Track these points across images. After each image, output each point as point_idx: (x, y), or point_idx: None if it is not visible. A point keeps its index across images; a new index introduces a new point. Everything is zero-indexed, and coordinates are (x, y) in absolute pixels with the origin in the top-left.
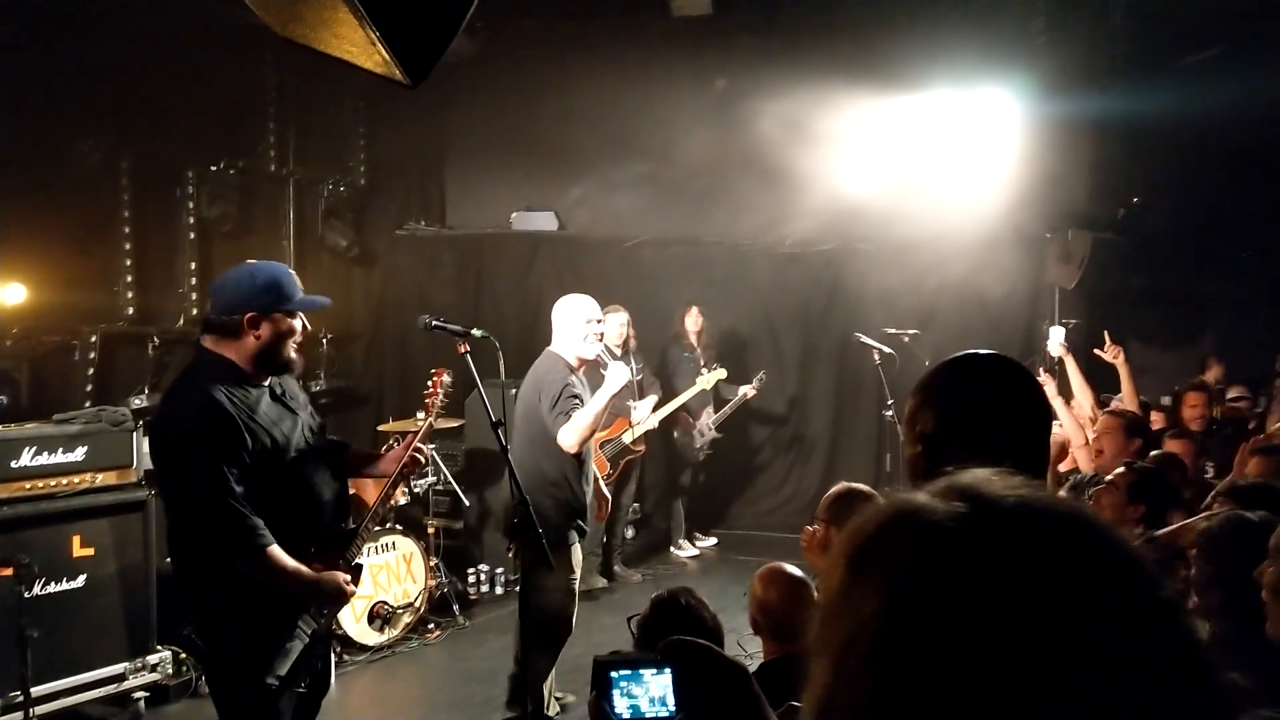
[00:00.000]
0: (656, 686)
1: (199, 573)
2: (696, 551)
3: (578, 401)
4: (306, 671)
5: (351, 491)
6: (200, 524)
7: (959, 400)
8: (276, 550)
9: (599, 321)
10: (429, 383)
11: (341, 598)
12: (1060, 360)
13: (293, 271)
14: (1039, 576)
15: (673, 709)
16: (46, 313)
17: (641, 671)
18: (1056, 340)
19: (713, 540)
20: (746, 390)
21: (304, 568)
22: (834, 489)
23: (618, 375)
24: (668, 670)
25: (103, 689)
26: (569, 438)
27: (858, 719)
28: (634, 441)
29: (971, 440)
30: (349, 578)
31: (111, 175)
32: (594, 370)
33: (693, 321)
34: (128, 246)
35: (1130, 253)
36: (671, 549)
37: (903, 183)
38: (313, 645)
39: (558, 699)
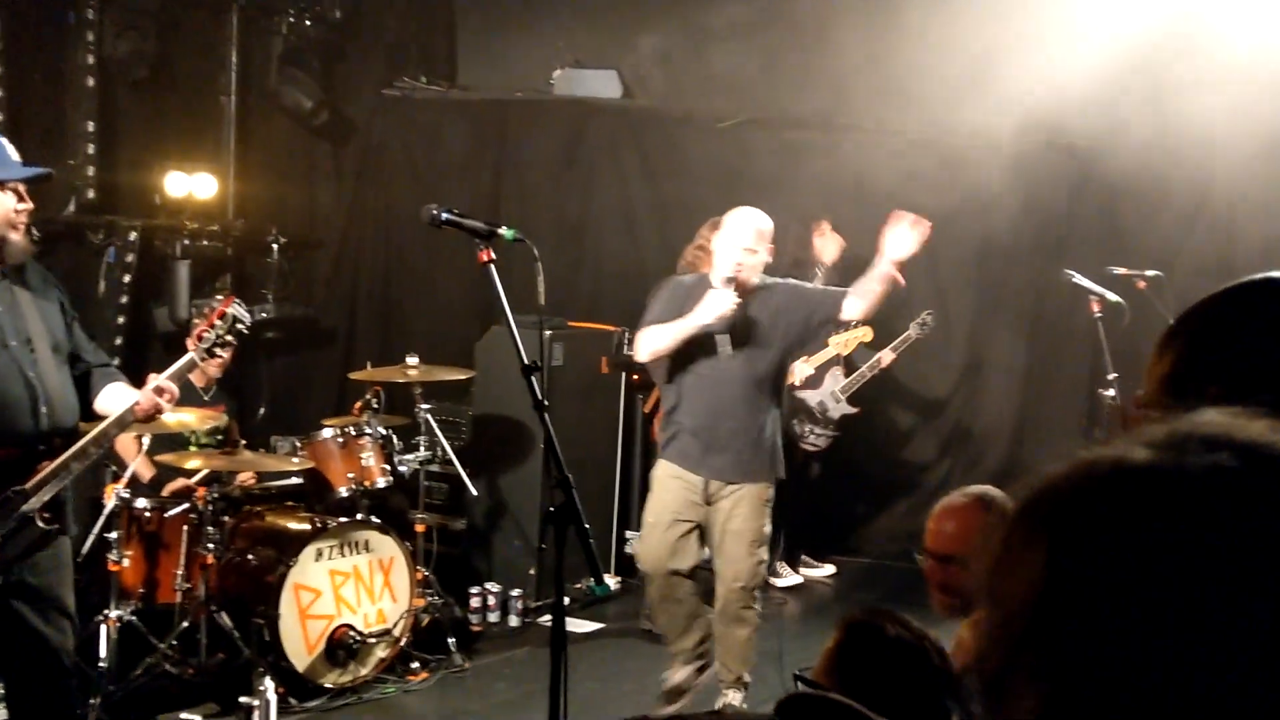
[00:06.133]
0: None
1: None
2: (800, 580)
3: None
4: None
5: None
6: None
7: (1227, 334)
8: None
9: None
10: (205, 311)
11: None
12: None
13: (3, 139)
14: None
15: None
16: None
17: None
18: None
19: (829, 569)
20: (907, 339)
21: None
22: (954, 503)
23: None
24: None
25: None
26: None
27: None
28: None
29: (1237, 388)
30: None
31: None
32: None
33: (824, 244)
34: None
35: None
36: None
37: (1144, 65)
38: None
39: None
